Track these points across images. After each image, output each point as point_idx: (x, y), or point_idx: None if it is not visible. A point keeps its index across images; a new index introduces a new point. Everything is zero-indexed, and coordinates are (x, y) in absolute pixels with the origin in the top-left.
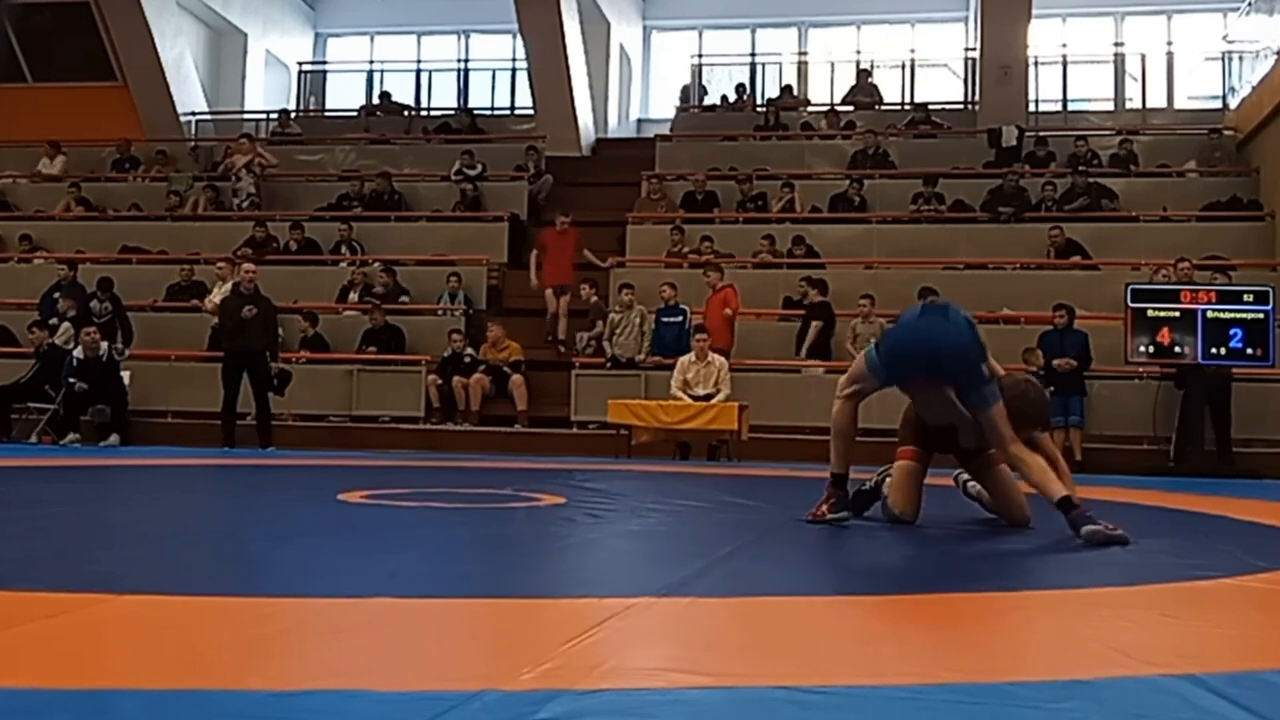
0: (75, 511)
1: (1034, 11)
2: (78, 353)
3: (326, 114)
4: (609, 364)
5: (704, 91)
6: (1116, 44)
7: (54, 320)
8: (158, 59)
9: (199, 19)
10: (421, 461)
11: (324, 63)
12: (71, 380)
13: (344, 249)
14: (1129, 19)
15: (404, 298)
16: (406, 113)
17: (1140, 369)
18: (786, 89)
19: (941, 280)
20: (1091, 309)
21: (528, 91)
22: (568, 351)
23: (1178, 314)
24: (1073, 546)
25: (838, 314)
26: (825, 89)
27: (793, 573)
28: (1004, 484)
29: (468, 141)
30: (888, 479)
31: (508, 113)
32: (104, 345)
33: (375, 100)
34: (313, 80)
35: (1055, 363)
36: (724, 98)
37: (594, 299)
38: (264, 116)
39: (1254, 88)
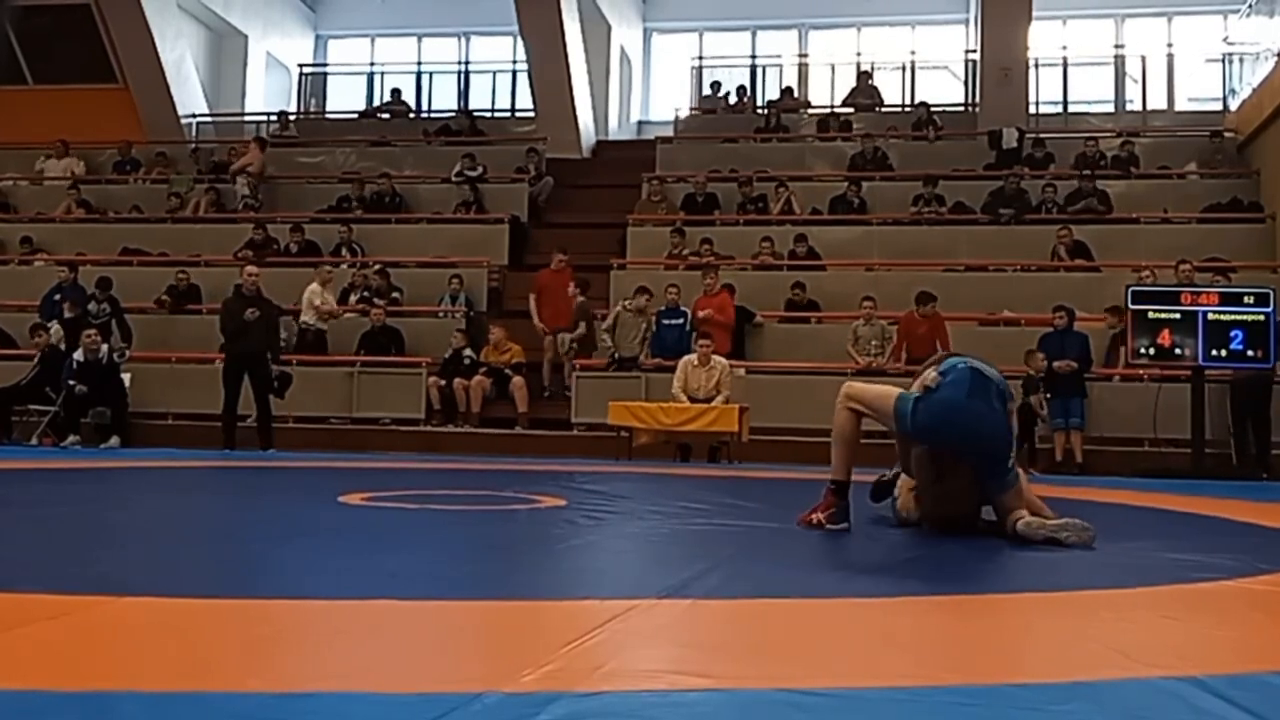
0: (75, 513)
1: (1034, 13)
2: (78, 355)
3: (327, 116)
4: (611, 364)
5: (716, 87)
6: (1117, 46)
7: (52, 322)
8: (158, 61)
9: (200, 21)
10: (422, 463)
11: (324, 65)
12: (71, 382)
13: (344, 251)
14: (1129, 21)
15: (395, 294)
16: (412, 114)
17: (1141, 370)
18: (787, 91)
19: (942, 282)
20: (1092, 311)
21: (528, 93)
22: (560, 399)
23: (1178, 316)
24: (1073, 549)
25: (837, 315)
26: (826, 91)
27: (793, 575)
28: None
29: (468, 143)
30: (901, 476)
31: (508, 114)
32: (104, 348)
33: (386, 98)
34: (313, 82)
35: (1056, 365)
36: (724, 99)
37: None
38: (264, 118)
39: (1254, 89)
